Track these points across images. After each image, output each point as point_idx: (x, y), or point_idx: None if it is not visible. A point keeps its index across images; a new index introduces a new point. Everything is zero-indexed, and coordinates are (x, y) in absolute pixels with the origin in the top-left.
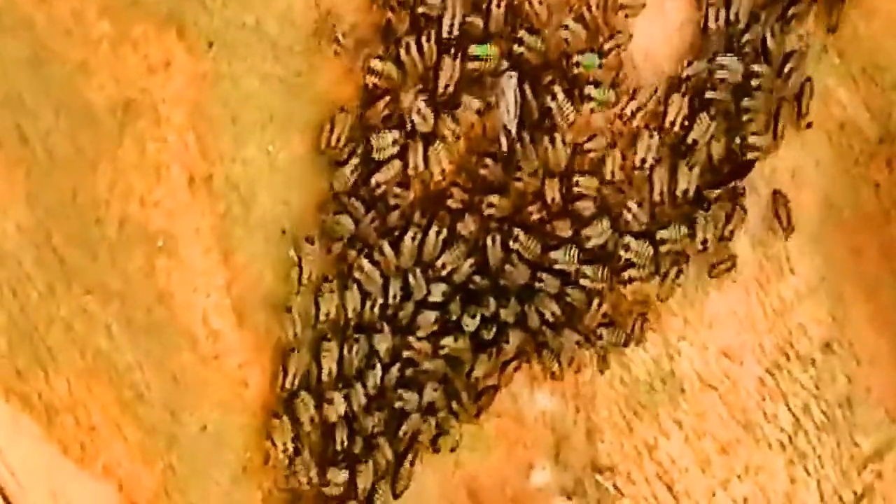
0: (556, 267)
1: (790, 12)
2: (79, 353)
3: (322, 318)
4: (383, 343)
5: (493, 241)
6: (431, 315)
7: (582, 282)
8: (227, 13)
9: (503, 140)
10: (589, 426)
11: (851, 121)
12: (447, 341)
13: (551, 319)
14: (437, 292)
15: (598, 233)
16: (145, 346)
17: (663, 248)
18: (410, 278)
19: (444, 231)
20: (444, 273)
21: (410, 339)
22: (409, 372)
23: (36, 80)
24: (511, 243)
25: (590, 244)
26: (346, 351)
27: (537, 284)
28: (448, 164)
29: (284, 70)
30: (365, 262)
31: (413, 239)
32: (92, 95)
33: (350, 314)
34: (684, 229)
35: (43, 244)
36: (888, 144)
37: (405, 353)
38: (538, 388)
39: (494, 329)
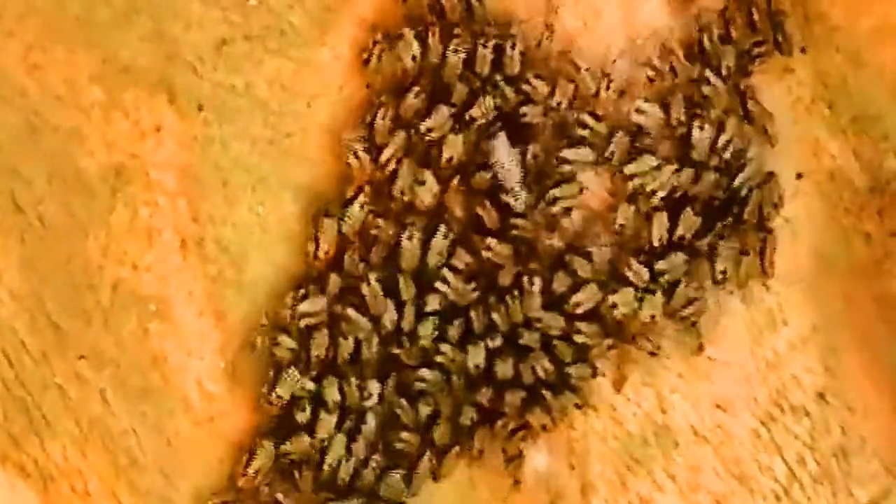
0: (550, 332)
1: (754, 52)
2: (73, 420)
3: (314, 360)
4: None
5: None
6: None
7: (576, 338)
8: (217, 77)
9: (511, 200)
10: (583, 483)
11: (842, 171)
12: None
13: (543, 376)
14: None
15: (587, 298)
16: (140, 410)
17: (663, 280)
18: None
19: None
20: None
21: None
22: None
23: (28, 148)
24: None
25: (580, 310)
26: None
27: (521, 341)
28: (433, 197)
29: (274, 132)
30: (351, 311)
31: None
32: (84, 162)
33: (340, 360)
34: (682, 256)
35: (37, 311)
36: (879, 194)
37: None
38: (531, 447)
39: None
